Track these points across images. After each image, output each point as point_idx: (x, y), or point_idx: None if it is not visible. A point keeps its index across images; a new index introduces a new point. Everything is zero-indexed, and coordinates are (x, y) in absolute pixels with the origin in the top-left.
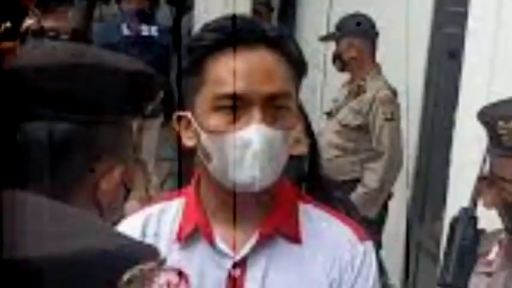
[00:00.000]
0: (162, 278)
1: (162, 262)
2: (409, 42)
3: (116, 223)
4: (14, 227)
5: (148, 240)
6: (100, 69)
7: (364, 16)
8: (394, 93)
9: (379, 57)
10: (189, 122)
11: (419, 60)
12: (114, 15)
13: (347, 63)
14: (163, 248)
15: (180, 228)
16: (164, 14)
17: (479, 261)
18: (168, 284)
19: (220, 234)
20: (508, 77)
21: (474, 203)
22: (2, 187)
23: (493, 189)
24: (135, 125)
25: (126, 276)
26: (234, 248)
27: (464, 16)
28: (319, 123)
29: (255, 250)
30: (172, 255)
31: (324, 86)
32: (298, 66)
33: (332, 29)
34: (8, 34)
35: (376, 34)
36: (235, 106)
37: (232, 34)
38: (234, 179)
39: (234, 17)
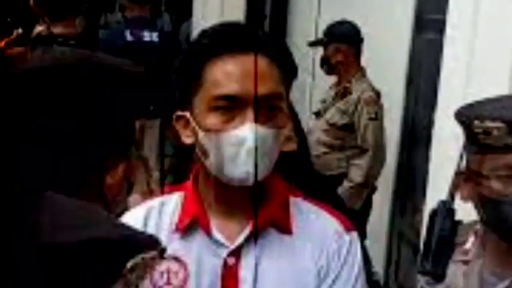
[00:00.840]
0: (163, 266)
1: (163, 251)
2: (391, 47)
3: (120, 215)
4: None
5: (150, 230)
6: (104, 73)
7: (349, 23)
8: (378, 94)
9: (363, 61)
10: (187, 121)
11: (401, 64)
12: (118, 22)
13: (334, 67)
14: (163, 238)
15: (180, 220)
16: (164, 21)
17: (457, 250)
18: (168, 271)
19: (217, 225)
20: (483, 80)
21: (452, 196)
22: (16, 182)
23: (470, 183)
24: (137, 124)
25: (129, 264)
26: (229, 238)
27: (442, 23)
28: (308, 123)
29: (248, 240)
30: (172, 244)
31: (312, 88)
32: (288, 70)
33: (320, 35)
34: (19, 40)
35: (361, 40)
36: (231, 107)
37: (227, 40)
38: (230, 174)
39: (229, 24)
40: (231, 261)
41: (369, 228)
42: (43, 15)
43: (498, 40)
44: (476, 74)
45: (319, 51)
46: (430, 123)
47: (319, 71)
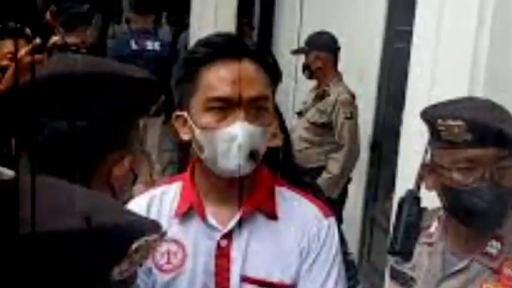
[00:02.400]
0: (164, 247)
1: (163, 234)
2: (365, 55)
3: (125, 202)
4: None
5: (152, 216)
6: (112, 77)
7: (328, 34)
8: (353, 96)
9: (340, 67)
10: (185, 120)
11: (373, 70)
12: (124, 33)
13: (314, 72)
14: (164, 222)
15: (178, 207)
16: (165, 32)
17: (422, 233)
18: (168, 251)
19: (211, 212)
20: (445, 84)
21: (418, 186)
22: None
23: (433, 174)
24: (141, 122)
25: (134, 246)
26: (222, 223)
27: (410, 34)
28: (291, 121)
29: (239, 224)
30: (172, 228)
31: (295, 91)
32: (274, 75)
33: (302, 45)
34: (38, 48)
35: (338, 48)
36: (223, 107)
37: (220, 49)
38: (222, 167)
39: (222, 35)
40: (224, 243)
41: (345, 214)
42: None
43: (458, 49)
44: (439, 78)
45: (301, 58)
46: (398, 122)
47: (301, 76)
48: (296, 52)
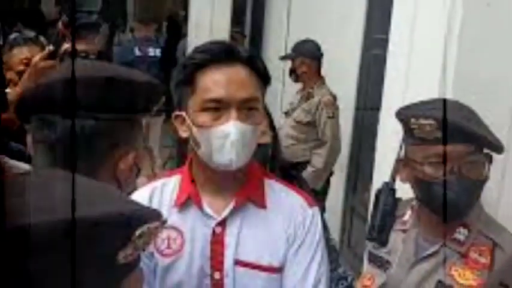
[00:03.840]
0: (164, 234)
1: (164, 222)
2: (345, 60)
3: (130, 193)
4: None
5: (154, 206)
6: (118, 80)
7: (312, 42)
8: (335, 98)
9: (323, 71)
10: (183, 119)
11: (352, 74)
12: (129, 41)
13: (300, 76)
14: (164, 211)
15: (177, 197)
16: (165, 40)
17: (397, 221)
18: (168, 237)
19: (207, 202)
20: (418, 86)
21: (393, 179)
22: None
23: (407, 168)
24: (144, 121)
25: (137, 232)
26: (217, 211)
27: (385, 41)
28: (279, 121)
29: (232, 213)
30: (171, 217)
31: (282, 93)
32: (264, 78)
33: (289, 51)
34: (51, 55)
35: (321, 55)
36: (218, 107)
37: (215, 55)
38: (217, 161)
39: (217, 42)
40: (218, 230)
41: (327, 204)
42: (69, 35)
43: (430, 55)
44: (412, 81)
45: (288, 63)
46: (375, 121)
47: (288, 80)
48: (283, 58)
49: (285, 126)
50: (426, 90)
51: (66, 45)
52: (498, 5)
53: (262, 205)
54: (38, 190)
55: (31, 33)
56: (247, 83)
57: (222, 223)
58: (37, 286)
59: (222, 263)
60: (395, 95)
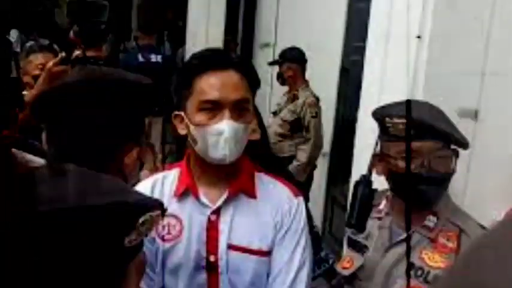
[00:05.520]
0: (165, 221)
1: (165, 210)
2: (327, 66)
3: (134, 185)
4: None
5: (155, 196)
6: (123, 83)
7: (298, 49)
8: (317, 99)
9: (307, 75)
10: (182, 119)
11: (334, 78)
12: (133, 48)
13: (286, 80)
14: (165, 201)
15: (177, 188)
16: (166, 47)
17: (374, 210)
18: (168, 224)
19: (203, 192)
20: (392, 89)
21: (370, 172)
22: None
23: (382, 162)
24: (146, 120)
25: (141, 219)
26: (212, 201)
27: (363, 49)
28: (268, 120)
29: (225, 202)
30: (171, 206)
31: (271, 95)
32: (254, 82)
33: (276, 57)
34: (63, 61)
35: (306, 61)
36: (213, 108)
37: (211, 61)
38: (212, 156)
39: (212, 49)
40: (213, 217)
41: (311, 194)
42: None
43: (402, 61)
44: (387, 84)
45: (276, 68)
46: (354, 120)
47: (276, 83)
48: (271, 64)
49: (273, 125)
50: (399, 92)
51: (77, 52)
52: (465, 14)
53: (252, 195)
54: (52, 182)
55: (45, 41)
56: (239, 86)
57: (217, 211)
58: (56, 266)
59: (216, 247)
60: (371, 96)
